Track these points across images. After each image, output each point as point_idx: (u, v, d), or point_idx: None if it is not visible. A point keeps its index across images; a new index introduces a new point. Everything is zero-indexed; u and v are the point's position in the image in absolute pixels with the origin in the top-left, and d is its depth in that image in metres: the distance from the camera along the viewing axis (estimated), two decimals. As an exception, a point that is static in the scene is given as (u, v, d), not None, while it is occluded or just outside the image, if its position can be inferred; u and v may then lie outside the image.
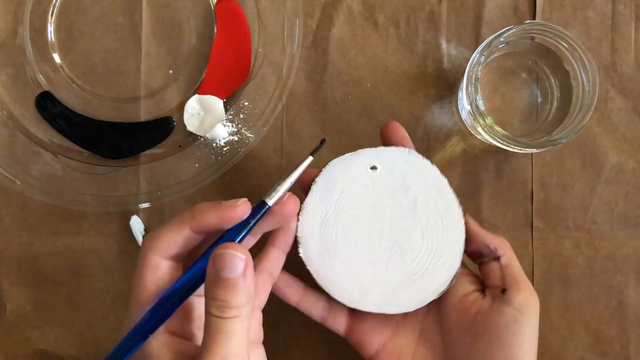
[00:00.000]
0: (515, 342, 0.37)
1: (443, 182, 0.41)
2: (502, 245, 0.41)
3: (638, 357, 0.49)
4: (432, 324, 0.42)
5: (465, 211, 0.41)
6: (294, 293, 0.42)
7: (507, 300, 0.38)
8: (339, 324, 0.42)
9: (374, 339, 0.42)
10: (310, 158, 0.38)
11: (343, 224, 0.41)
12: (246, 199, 0.36)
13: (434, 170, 0.41)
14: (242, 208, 0.35)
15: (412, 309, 0.40)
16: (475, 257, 0.42)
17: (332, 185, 0.41)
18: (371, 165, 0.41)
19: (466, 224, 0.41)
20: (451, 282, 0.40)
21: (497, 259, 0.41)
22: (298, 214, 0.40)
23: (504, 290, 0.39)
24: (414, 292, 0.40)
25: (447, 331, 0.41)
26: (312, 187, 0.41)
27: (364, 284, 0.40)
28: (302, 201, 0.40)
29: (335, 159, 0.41)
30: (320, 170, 0.41)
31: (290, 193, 0.38)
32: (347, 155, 0.41)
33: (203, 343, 0.32)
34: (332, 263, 0.40)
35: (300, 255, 0.40)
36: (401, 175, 0.41)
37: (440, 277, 0.40)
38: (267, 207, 0.37)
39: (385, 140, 0.42)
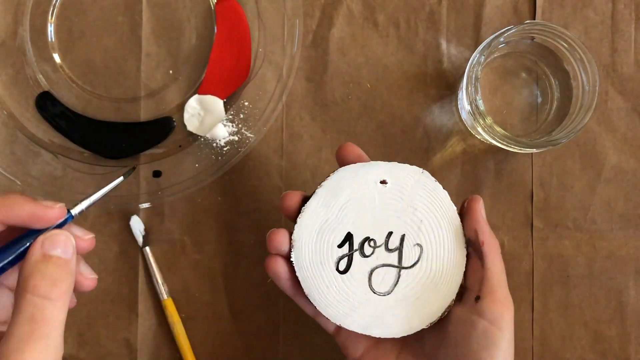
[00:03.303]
0: (488, 357, 0.36)
1: (451, 208, 0.40)
2: (490, 245, 0.39)
3: (638, 357, 0.49)
4: (415, 332, 0.40)
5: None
6: (290, 285, 0.40)
7: (479, 311, 0.37)
8: (329, 324, 0.42)
9: (359, 344, 0.41)
10: (121, 178, 0.39)
11: (342, 234, 0.39)
12: (63, 204, 0.34)
13: (443, 196, 0.40)
14: (57, 212, 0.33)
15: (398, 336, 0.39)
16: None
17: (338, 192, 0.39)
18: (381, 179, 0.39)
19: (472, 205, 0.39)
20: (443, 313, 0.39)
21: (481, 258, 0.39)
22: (297, 216, 0.39)
23: (477, 298, 0.38)
24: (403, 318, 0.39)
25: (428, 341, 0.40)
26: (316, 190, 0.40)
27: (352, 301, 0.39)
28: (304, 203, 0.40)
29: (346, 167, 0.40)
30: (328, 175, 0.40)
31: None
32: (358, 164, 0.40)
33: (14, 332, 0.29)
34: (323, 273, 0.39)
35: (292, 259, 0.39)
36: (410, 195, 0.39)
37: (432, 306, 0.39)
38: (70, 217, 0.34)
39: (342, 161, 0.41)
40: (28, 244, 0.32)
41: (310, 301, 0.40)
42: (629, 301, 0.49)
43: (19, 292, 0.30)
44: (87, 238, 0.34)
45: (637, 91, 0.49)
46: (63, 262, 0.31)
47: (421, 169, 0.40)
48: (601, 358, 0.49)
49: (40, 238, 0.31)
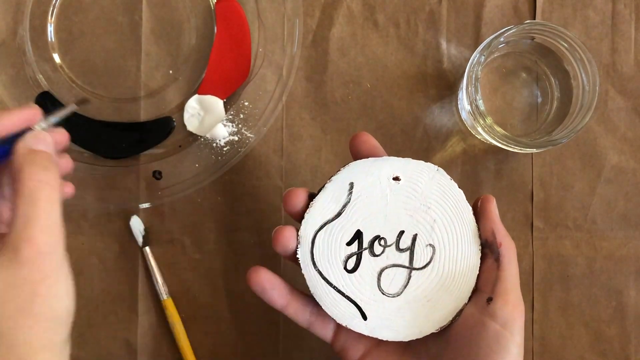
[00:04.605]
0: None
1: (466, 208, 0.38)
2: (507, 246, 0.38)
3: (638, 357, 0.49)
4: None
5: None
6: (280, 297, 0.39)
7: (491, 313, 0.36)
8: (326, 330, 0.40)
9: (360, 345, 0.40)
10: (75, 106, 0.42)
11: (351, 232, 0.38)
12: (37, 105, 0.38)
13: (459, 194, 0.38)
14: (34, 108, 0.38)
15: (406, 339, 0.38)
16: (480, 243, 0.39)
17: (348, 187, 0.38)
18: (394, 176, 0.38)
19: (487, 205, 0.38)
20: (455, 317, 0.37)
21: (497, 259, 0.38)
22: (305, 211, 0.38)
23: (489, 300, 0.36)
24: (412, 321, 0.38)
25: (432, 343, 0.38)
26: (326, 185, 0.38)
27: (360, 302, 0.38)
28: (311, 200, 0.38)
29: (357, 161, 0.38)
30: (339, 170, 0.38)
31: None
32: (370, 159, 0.38)
33: (20, 213, 0.32)
34: (330, 272, 0.38)
35: (298, 256, 0.38)
36: (424, 193, 0.38)
37: (444, 309, 0.37)
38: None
39: (355, 152, 0.40)
40: (8, 147, 0.36)
41: (303, 310, 0.39)
42: (629, 301, 0.49)
43: (16, 182, 0.33)
44: (60, 131, 0.39)
45: (637, 91, 0.49)
46: (47, 154, 0.35)
47: (436, 166, 0.38)
48: (601, 358, 0.49)
49: (26, 136, 0.35)
